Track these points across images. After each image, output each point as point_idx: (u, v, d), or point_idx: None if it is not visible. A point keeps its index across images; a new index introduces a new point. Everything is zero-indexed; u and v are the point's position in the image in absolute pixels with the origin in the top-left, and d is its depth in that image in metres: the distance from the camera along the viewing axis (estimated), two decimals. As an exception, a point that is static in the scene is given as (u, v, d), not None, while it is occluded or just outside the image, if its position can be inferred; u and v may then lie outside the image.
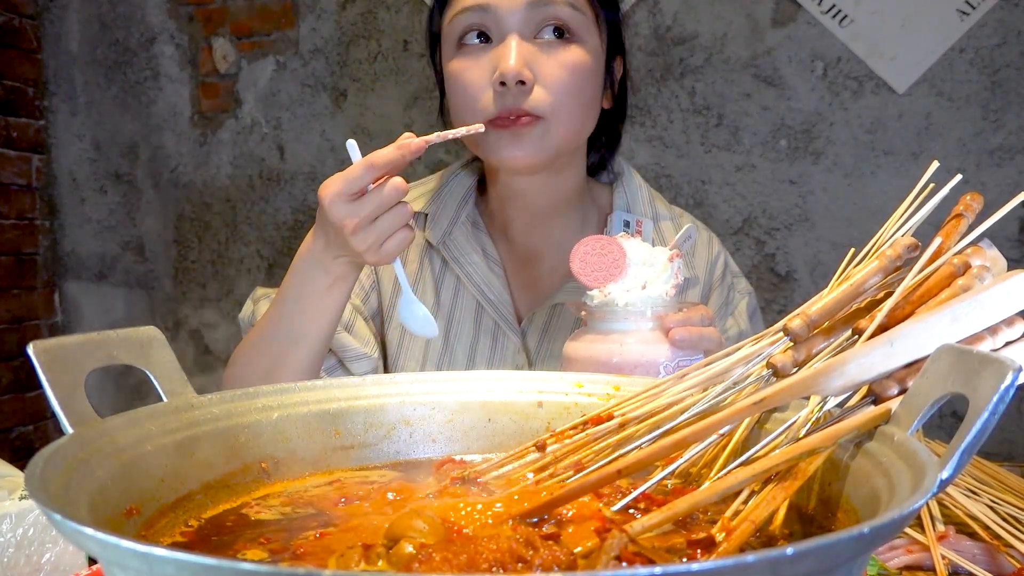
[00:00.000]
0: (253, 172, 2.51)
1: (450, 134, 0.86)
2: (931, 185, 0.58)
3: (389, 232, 0.82)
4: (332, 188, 0.81)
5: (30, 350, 0.46)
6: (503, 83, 0.94)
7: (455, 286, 1.09)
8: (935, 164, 0.60)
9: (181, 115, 2.56)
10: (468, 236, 1.10)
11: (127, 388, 2.61)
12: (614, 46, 1.07)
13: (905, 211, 0.59)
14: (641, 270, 0.84)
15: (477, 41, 0.98)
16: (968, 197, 0.58)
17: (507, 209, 1.10)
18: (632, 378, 0.65)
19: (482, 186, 1.15)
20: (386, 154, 0.80)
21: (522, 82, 0.93)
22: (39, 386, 0.45)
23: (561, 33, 0.97)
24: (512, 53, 0.94)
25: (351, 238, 0.81)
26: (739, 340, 1.11)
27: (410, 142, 0.81)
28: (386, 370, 1.09)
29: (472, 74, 0.97)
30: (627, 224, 1.11)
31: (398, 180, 0.81)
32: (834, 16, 2.05)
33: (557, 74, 0.96)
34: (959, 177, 0.58)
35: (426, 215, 1.11)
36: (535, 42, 0.96)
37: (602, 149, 1.15)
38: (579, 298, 0.87)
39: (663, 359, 0.81)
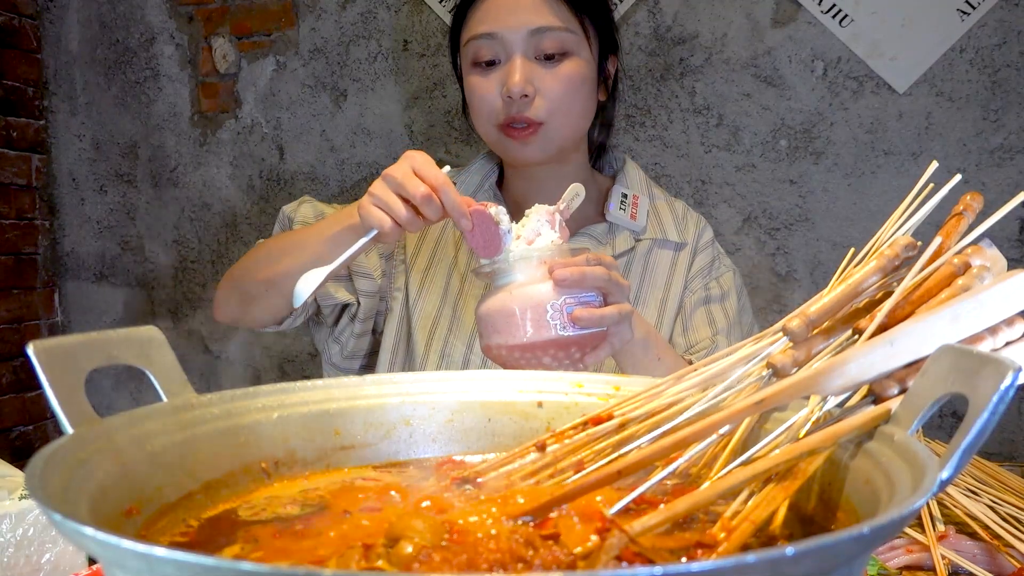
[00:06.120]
0: (253, 172, 2.51)
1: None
2: (931, 185, 0.58)
3: (386, 206, 0.91)
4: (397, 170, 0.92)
5: (30, 350, 0.46)
6: (510, 96, 1.13)
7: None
8: (934, 164, 0.60)
9: (181, 115, 2.56)
10: None
11: (127, 388, 2.61)
12: (607, 47, 1.25)
13: (905, 211, 0.59)
14: (525, 228, 0.92)
15: (487, 62, 1.17)
16: (968, 197, 0.58)
17: (522, 189, 1.27)
18: (632, 378, 0.65)
19: (501, 172, 1.33)
20: (453, 197, 0.91)
21: (525, 95, 1.13)
22: (39, 386, 0.45)
23: (557, 53, 1.15)
24: (517, 72, 1.14)
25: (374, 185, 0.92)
26: (721, 302, 1.25)
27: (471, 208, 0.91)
28: (407, 314, 1.22)
29: (486, 89, 1.17)
30: (624, 196, 1.27)
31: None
32: (834, 16, 2.05)
33: (554, 87, 1.15)
34: (959, 177, 0.58)
35: (453, 183, 1.21)
36: (535, 61, 1.16)
37: (601, 134, 1.33)
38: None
39: (549, 299, 0.87)
